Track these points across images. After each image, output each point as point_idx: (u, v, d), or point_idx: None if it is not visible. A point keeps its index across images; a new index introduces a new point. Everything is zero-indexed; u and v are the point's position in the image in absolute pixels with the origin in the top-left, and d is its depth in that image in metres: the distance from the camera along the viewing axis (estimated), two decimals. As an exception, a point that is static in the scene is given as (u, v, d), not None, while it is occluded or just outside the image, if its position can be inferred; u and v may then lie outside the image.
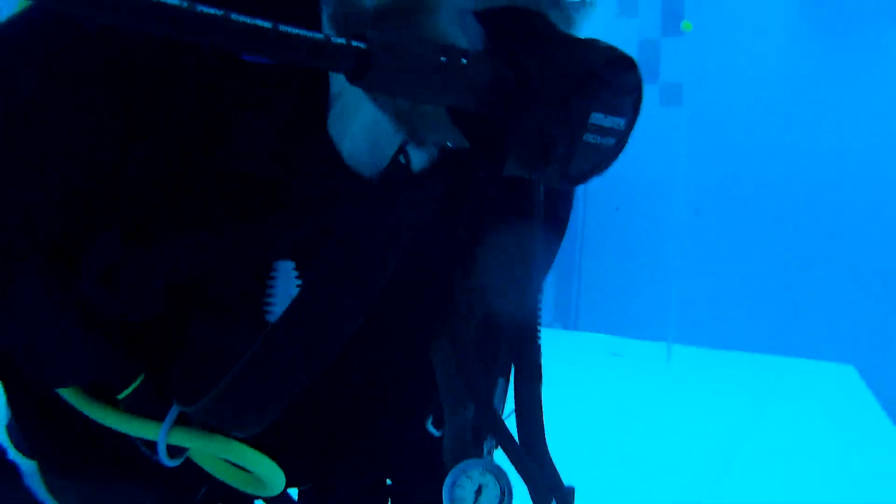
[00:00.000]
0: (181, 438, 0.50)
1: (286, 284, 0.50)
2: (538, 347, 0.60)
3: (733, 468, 2.22)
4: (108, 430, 0.51)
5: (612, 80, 0.39)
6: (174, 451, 0.51)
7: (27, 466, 0.87)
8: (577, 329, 12.32)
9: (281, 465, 0.54)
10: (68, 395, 0.51)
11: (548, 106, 0.37)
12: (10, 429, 0.86)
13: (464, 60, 0.35)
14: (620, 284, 11.64)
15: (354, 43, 0.34)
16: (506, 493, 0.56)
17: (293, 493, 0.76)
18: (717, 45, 5.67)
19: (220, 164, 0.46)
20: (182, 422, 0.51)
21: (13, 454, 1.02)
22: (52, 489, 0.65)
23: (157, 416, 0.50)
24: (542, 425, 0.59)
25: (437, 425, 0.63)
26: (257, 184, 0.47)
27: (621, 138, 0.41)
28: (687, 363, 4.64)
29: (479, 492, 0.55)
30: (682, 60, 5.32)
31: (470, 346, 0.56)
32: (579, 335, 7.09)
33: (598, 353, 5.01)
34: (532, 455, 0.57)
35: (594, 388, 3.58)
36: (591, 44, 0.39)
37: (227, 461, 0.53)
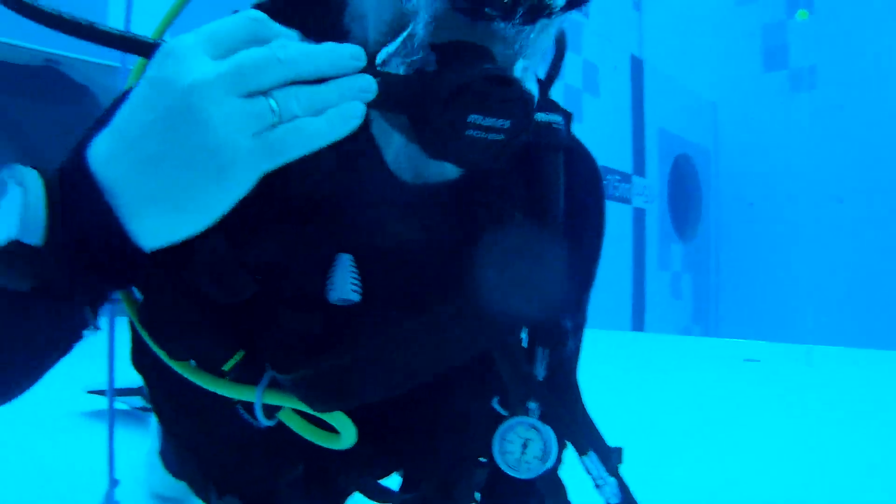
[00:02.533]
0: (273, 398, 0.64)
1: (344, 272, 0.64)
2: (563, 331, 0.71)
3: (885, 473, 2.03)
4: (218, 404, 0.66)
5: (486, 91, 0.51)
6: (269, 413, 0.66)
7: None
8: (717, 335, 11.72)
9: (361, 433, 0.66)
10: (188, 373, 0.66)
11: (436, 107, 0.51)
12: (164, 453, 1.00)
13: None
14: (758, 286, 10.89)
15: None
16: (548, 447, 0.66)
17: (390, 483, 0.85)
18: (851, 22, 5.27)
19: (292, 186, 0.61)
20: (273, 388, 0.65)
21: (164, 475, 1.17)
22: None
23: (254, 382, 0.65)
24: (576, 395, 0.74)
25: (502, 405, 0.71)
26: (322, 196, 0.62)
27: (510, 134, 0.52)
28: (829, 364, 4.31)
29: (525, 445, 0.67)
30: (812, 42, 4.98)
31: (517, 344, 0.69)
32: (719, 341, 6.76)
33: (735, 358, 4.75)
34: (568, 415, 0.69)
35: (732, 393, 3.39)
36: (484, 68, 0.51)
37: (307, 417, 0.67)
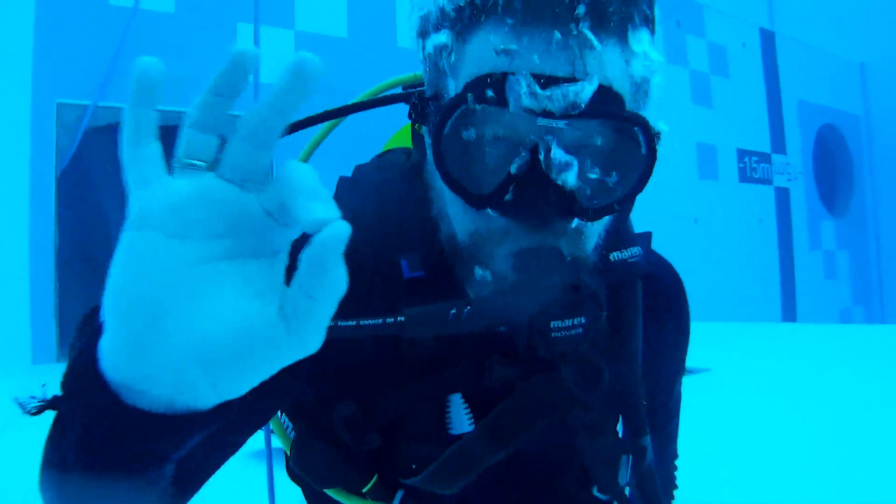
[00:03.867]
0: None
1: (458, 410, 0.74)
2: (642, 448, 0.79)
3: None
4: None
5: (561, 301, 0.61)
6: None
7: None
8: (882, 319, 10.82)
9: None
10: (334, 493, 0.79)
11: (524, 326, 0.63)
12: None
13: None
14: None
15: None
16: None
17: None
18: None
19: (406, 351, 0.72)
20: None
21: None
22: None
23: (388, 500, 0.77)
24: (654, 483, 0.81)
25: (602, 491, 0.80)
26: (431, 355, 0.72)
27: (587, 327, 0.62)
28: None
29: None
30: None
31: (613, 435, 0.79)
32: (881, 328, 6.28)
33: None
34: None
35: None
36: (555, 281, 0.61)
37: None
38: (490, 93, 0.58)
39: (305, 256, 0.36)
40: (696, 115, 8.88)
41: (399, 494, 0.76)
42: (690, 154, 8.84)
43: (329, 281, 0.36)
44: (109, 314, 0.37)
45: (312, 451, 0.78)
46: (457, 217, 0.65)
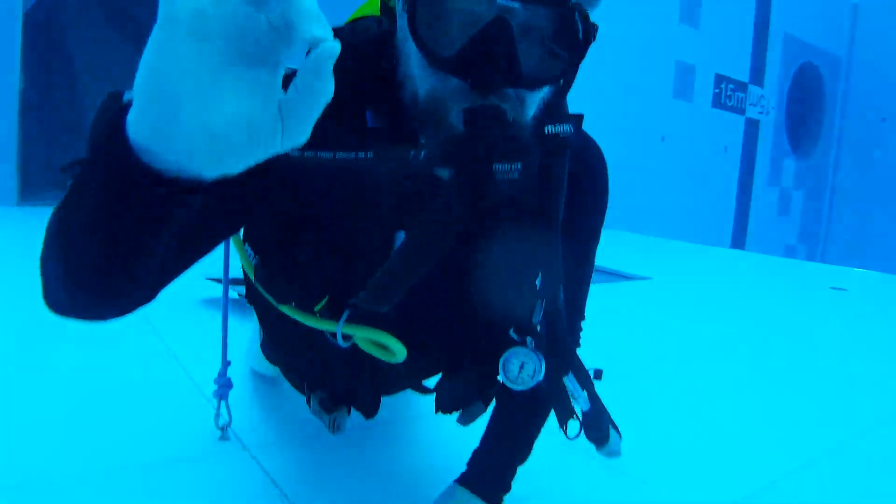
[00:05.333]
0: (348, 329, 0.89)
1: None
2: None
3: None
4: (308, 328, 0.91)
5: (501, 148, 0.71)
6: (346, 338, 0.90)
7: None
8: (824, 259, 11.20)
9: (409, 347, 0.91)
10: (289, 310, 0.92)
11: (470, 165, 0.73)
12: (263, 345, 1.25)
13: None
14: (879, 210, 10.28)
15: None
16: (537, 368, 0.90)
17: (430, 382, 1.10)
18: None
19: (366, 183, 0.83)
20: (349, 322, 0.89)
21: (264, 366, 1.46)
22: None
23: (336, 318, 0.89)
24: (563, 335, 0.96)
25: (517, 331, 0.93)
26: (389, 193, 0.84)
27: (522, 172, 0.72)
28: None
29: (521, 367, 0.90)
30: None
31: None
32: (810, 265, 6.52)
33: (824, 285, 4.64)
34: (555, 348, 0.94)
35: (811, 319, 3.37)
36: (496, 133, 0.71)
37: (372, 341, 0.91)
38: None
39: (304, 65, 0.45)
40: (680, 34, 8.78)
41: (345, 313, 0.89)
42: (668, 72, 8.80)
43: (320, 88, 0.46)
44: (137, 94, 0.45)
45: (274, 270, 0.93)
46: (420, 77, 0.75)
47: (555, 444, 1.05)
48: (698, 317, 3.04)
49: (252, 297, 1.06)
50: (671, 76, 8.86)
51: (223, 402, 1.29)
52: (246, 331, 1.74)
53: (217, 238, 0.79)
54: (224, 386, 1.29)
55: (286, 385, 1.61)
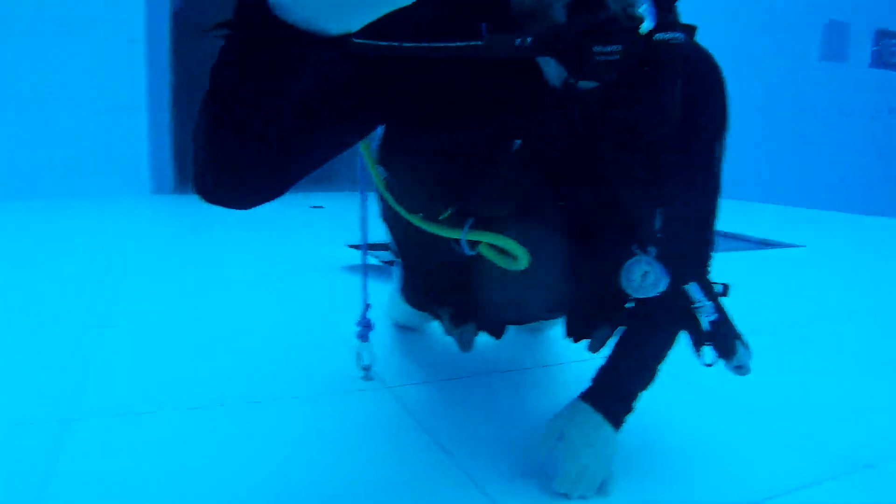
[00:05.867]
0: (472, 235, 0.94)
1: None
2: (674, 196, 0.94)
3: None
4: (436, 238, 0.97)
5: (600, 31, 0.73)
6: (471, 246, 0.96)
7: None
8: None
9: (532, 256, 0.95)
10: (417, 220, 0.98)
11: (573, 48, 0.75)
12: (403, 289, 1.33)
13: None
14: None
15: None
16: (661, 276, 0.92)
17: None
18: None
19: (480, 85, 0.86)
20: (473, 228, 0.94)
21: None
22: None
23: (461, 226, 0.95)
24: (685, 243, 0.97)
25: (640, 245, 0.96)
26: (501, 95, 0.87)
27: (622, 54, 0.74)
28: None
29: (644, 276, 0.93)
30: None
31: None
32: None
33: None
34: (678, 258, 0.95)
35: None
36: (597, 16, 0.74)
37: (495, 247, 0.96)
38: None
39: None
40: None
41: (469, 221, 0.94)
42: (815, 33, 8.16)
43: None
44: None
45: (401, 183, 1.00)
46: None
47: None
48: (856, 286, 2.81)
49: (385, 214, 1.12)
50: (818, 38, 8.21)
51: (364, 344, 1.36)
52: (386, 291, 1.81)
53: (338, 124, 0.83)
54: (365, 327, 1.36)
55: (426, 332, 1.68)
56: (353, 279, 2.37)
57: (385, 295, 1.80)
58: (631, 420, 1.01)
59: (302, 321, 1.82)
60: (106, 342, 1.56)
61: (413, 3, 0.87)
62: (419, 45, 0.73)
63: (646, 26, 0.77)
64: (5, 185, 4.67)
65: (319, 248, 2.91)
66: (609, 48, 0.73)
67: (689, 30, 0.85)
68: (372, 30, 0.81)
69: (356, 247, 2.37)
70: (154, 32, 5.37)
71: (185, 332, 1.67)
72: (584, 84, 0.82)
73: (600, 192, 0.91)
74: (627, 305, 1.02)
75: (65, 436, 1.07)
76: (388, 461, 1.04)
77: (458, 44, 0.74)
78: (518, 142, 0.88)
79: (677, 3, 0.82)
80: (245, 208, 0.76)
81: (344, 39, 0.57)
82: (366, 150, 1.07)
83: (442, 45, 0.74)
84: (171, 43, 5.55)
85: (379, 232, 1.25)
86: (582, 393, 1.02)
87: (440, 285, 1.15)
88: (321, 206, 4.72)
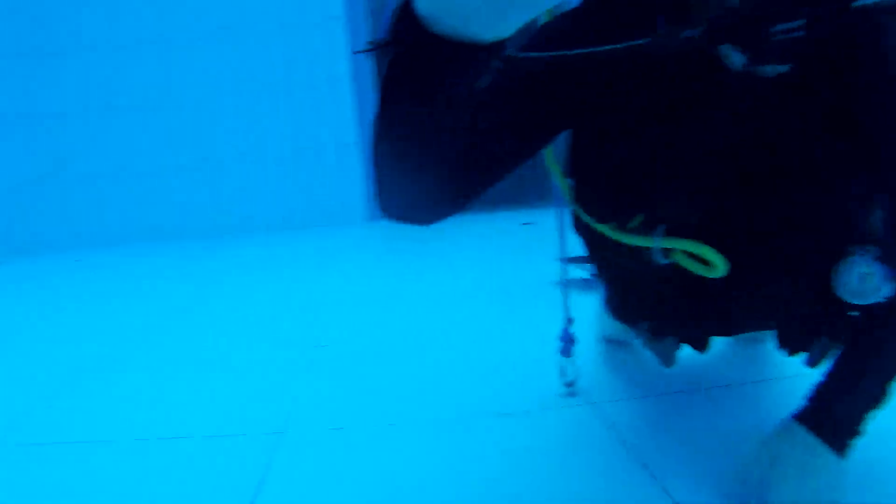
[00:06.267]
0: (665, 242, 0.87)
1: None
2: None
3: None
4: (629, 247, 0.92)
5: (783, 9, 0.65)
6: (665, 255, 0.89)
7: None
8: None
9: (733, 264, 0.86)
10: (608, 230, 0.93)
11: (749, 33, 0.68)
12: (608, 301, 1.32)
13: None
14: None
15: None
16: (887, 278, 0.77)
17: None
18: None
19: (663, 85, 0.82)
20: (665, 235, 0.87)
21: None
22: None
23: (650, 233, 0.88)
24: None
25: (859, 239, 0.85)
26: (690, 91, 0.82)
27: (808, 28, 0.64)
28: None
29: (862, 279, 0.79)
30: None
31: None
32: None
33: None
34: None
35: None
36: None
37: (691, 254, 0.88)
38: None
39: None
40: None
41: (660, 228, 0.89)
42: None
43: None
44: None
45: (588, 190, 0.98)
46: None
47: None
48: None
49: (578, 226, 1.10)
50: None
51: (567, 359, 1.35)
52: (593, 304, 1.79)
53: (512, 134, 0.81)
54: (567, 342, 1.35)
55: (636, 345, 1.63)
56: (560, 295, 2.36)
57: (592, 308, 1.78)
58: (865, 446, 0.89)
59: (509, 337, 1.85)
60: (321, 360, 1.72)
61: (578, 6, 0.86)
62: (579, 51, 0.71)
63: None
64: (232, 222, 5.27)
65: (529, 264, 2.94)
66: (791, 24, 0.65)
67: None
68: (535, 37, 0.81)
69: (566, 260, 2.37)
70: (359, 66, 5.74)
71: (395, 350, 1.78)
72: (771, 69, 0.74)
73: (805, 184, 0.82)
74: (851, 313, 0.91)
75: (276, 448, 1.19)
76: (590, 479, 1.03)
77: (623, 45, 0.70)
78: (706, 138, 0.82)
79: None
80: (429, 224, 0.79)
81: (500, 46, 0.55)
82: (552, 160, 1.07)
83: (604, 48, 0.71)
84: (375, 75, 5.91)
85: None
86: (796, 413, 0.92)
87: (638, 297, 1.11)
88: (532, 223, 4.77)
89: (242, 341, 1.99)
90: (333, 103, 5.59)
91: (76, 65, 5.23)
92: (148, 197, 5.32)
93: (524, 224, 4.75)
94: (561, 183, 1.06)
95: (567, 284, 1.37)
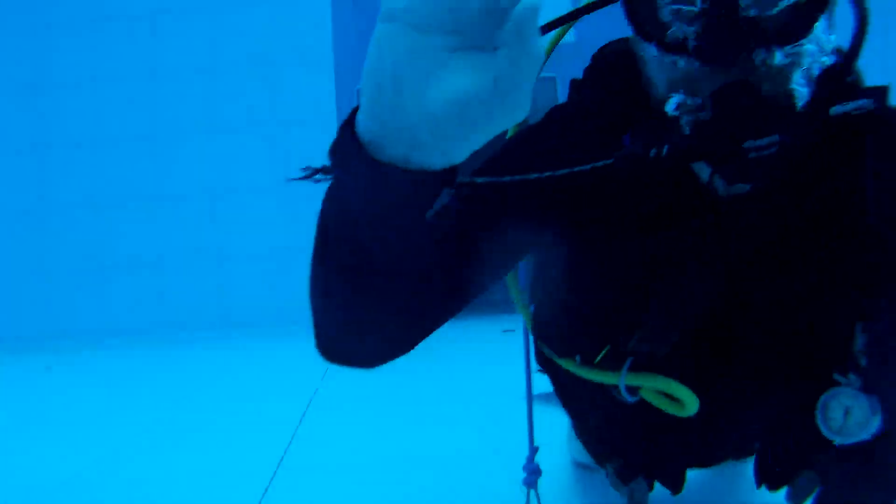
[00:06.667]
0: (631, 379, 0.81)
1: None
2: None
3: None
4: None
5: (750, 121, 0.61)
6: (632, 392, 0.83)
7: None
8: None
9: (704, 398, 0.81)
10: (572, 366, 0.88)
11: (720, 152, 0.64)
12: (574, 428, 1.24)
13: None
14: None
15: None
16: (870, 412, 0.71)
17: None
18: None
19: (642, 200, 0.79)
20: (632, 371, 0.82)
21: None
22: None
23: (616, 369, 0.83)
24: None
25: (839, 368, 0.78)
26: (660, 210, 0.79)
27: (783, 146, 0.60)
28: None
29: (846, 413, 0.72)
30: None
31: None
32: None
33: None
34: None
35: None
36: (741, 107, 0.62)
37: (659, 391, 0.82)
38: None
39: (506, 29, 0.44)
40: None
41: (627, 362, 0.83)
42: None
43: (527, 50, 0.44)
44: (363, 88, 0.48)
45: (550, 317, 0.92)
46: (656, 75, 0.69)
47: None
48: None
49: (540, 359, 1.05)
50: None
51: (532, 491, 1.25)
52: (566, 422, 1.71)
53: (470, 258, 0.75)
54: (533, 473, 1.26)
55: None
56: (537, 408, 2.27)
57: (564, 426, 1.69)
58: None
59: (475, 461, 1.76)
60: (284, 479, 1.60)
61: (542, 119, 0.82)
62: (540, 175, 0.65)
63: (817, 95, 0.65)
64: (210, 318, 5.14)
65: (504, 376, 2.84)
66: (763, 142, 0.61)
67: (880, 92, 0.71)
68: (494, 157, 0.78)
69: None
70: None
71: (348, 472, 1.67)
72: (742, 187, 0.71)
73: (787, 307, 0.78)
74: (837, 444, 0.84)
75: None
76: None
77: (584, 168, 0.65)
78: (678, 258, 0.78)
79: (858, 59, 0.68)
80: (371, 367, 0.72)
81: (451, 173, 0.51)
82: (515, 287, 1.02)
83: (567, 171, 0.65)
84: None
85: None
86: None
87: (605, 434, 1.04)
88: (513, 330, 4.70)
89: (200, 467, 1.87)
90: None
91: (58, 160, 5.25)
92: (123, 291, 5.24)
93: (505, 331, 4.69)
94: (521, 310, 1.01)
95: (534, 402, 1.29)
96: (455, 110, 0.45)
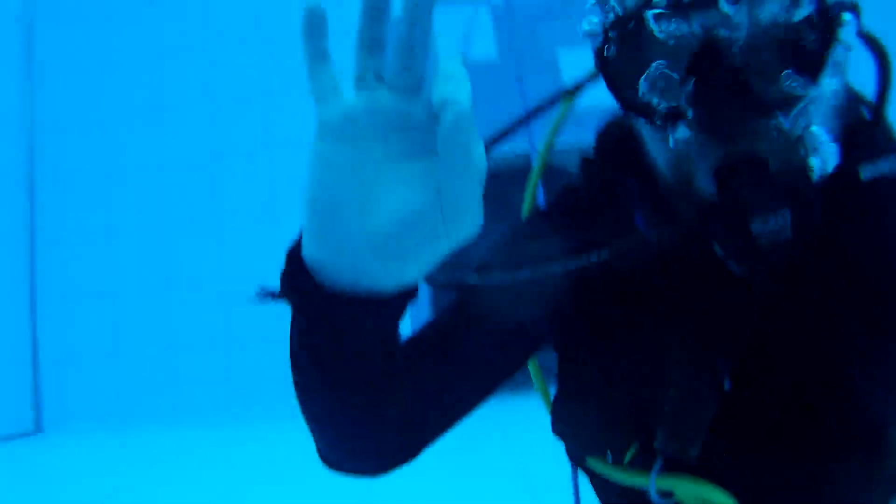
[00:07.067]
0: (664, 483, 0.72)
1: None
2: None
3: None
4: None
5: (756, 203, 0.55)
6: (664, 494, 0.72)
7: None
8: None
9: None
10: (595, 463, 0.79)
11: (724, 240, 0.59)
12: None
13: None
14: None
15: None
16: None
17: None
18: None
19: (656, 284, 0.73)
20: (665, 470, 0.72)
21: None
22: None
23: (647, 468, 0.73)
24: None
25: None
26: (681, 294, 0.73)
27: (795, 227, 0.55)
28: None
29: None
30: None
31: None
32: None
33: None
34: None
35: None
36: (744, 190, 0.56)
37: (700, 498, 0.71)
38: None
39: (439, 136, 0.41)
40: None
41: (657, 462, 0.73)
42: None
43: (463, 159, 0.41)
44: (304, 211, 0.46)
45: (571, 411, 0.81)
46: (655, 151, 0.64)
47: None
48: None
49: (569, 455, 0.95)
50: None
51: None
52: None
53: (476, 393, 0.71)
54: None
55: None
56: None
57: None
58: None
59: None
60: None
61: (547, 206, 0.79)
62: (547, 269, 0.61)
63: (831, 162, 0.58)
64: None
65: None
66: (774, 226, 0.55)
67: None
68: (497, 251, 0.73)
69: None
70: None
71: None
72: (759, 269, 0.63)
73: (829, 396, 0.69)
74: None
75: None
76: None
77: (576, 262, 0.60)
78: (707, 343, 0.71)
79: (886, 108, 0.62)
80: (375, 476, 0.67)
81: (409, 293, 0.48)
82: (539, 377, 0.96)
83: (576, 263, 0.60)
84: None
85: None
86: None
87: None
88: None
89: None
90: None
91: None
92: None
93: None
94: (545, 398, 0.92)
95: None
96: (398, 229, 0.43)
